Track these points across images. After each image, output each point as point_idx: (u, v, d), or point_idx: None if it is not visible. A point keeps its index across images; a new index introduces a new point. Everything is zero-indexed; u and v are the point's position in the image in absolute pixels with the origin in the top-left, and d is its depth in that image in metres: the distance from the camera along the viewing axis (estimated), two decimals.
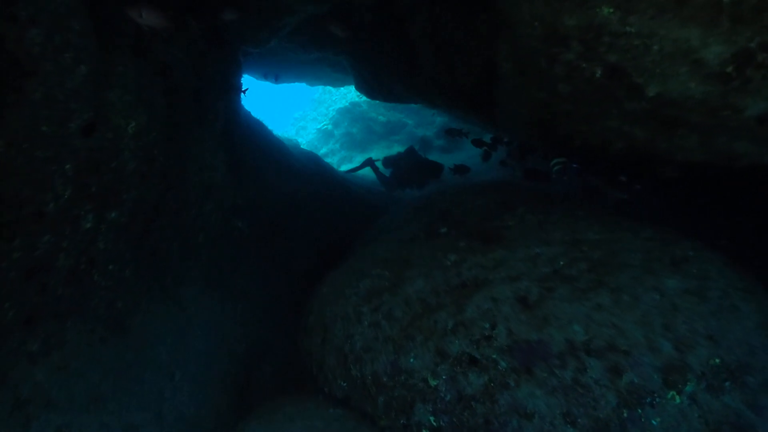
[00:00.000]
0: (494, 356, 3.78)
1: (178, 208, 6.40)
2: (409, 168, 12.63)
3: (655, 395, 3.53)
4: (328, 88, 23.27)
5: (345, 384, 4.38)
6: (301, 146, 21.81)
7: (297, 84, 17.21)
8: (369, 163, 13.47)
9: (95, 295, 5.19)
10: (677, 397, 3.52)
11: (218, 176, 6.90)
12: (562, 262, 4.47)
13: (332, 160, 20.15)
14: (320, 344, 4.64)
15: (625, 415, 3.47)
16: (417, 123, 19.59)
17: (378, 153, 19.64)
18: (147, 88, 4.96)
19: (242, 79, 11.64)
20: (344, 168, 19.08)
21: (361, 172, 16.61)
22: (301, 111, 24.59)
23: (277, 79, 10.66)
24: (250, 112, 10.65)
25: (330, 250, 9.31)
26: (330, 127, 21.30)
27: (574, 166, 7.26)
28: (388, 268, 4.87)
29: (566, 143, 5.85)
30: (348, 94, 21.33)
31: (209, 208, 6.90)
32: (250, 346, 7.07)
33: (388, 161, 13.48)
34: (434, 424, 3.81)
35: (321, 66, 12.51)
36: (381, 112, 20.21)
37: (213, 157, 6.76)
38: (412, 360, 3.97)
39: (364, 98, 20.68)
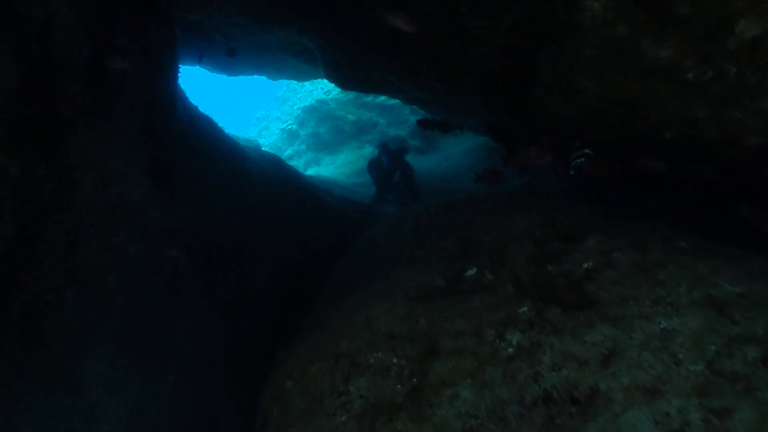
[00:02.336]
0: None
1: (70, 242, 4.15)
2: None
3: None
4: (293, 85, 20.86)
5: None
6: (263, 148, 19.44)
7: (258, 80, 14.94)
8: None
9: None
10: None
11: (136, 191, 4.66)
12: (714, 347, 2.43)
13: (298, 163, 17.88)
14: None
15: None
16: (389, 122, 17.49)
17: (348, 154, 17.46)
18: None
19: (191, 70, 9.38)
20: (311, 171, 16.87)
21: (332, 176, 14.46)
22: (264, 110, 22.04)
23: (233, 54, 8.31)
24: (197, 107, 8.35)
25: (299, 276, 7.14)
26: (295, 126, 18.92)
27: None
28: (398, 353, 2.74)
29: (646, 137, 3.84)
30: (314, 91, 19.01)
31: (123, 237, 4.65)
32: (189, 429, 4.85)
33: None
34: None
35: (283, 54, 10.30)
36: (350, 110, 18.00)
37: (127, 164, 4.51)
38: None
39: (331, 95, 18.48)
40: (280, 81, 21.86)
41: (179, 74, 6.94)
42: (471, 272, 3.46)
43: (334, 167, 16.34)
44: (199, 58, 8.59)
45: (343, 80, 7.70)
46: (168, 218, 5.30)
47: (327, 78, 8.01)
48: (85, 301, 4.43)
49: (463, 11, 4.45)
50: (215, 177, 6.66)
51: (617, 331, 2.48)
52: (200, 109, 8.48)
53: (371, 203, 10.79)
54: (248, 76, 13.01)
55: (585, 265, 3.13)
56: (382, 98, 17.84)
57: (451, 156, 16.15)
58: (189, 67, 11.46)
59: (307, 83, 19.70)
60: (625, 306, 2.64)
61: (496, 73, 4.76)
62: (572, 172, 6.32)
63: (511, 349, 2.50)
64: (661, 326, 2.52)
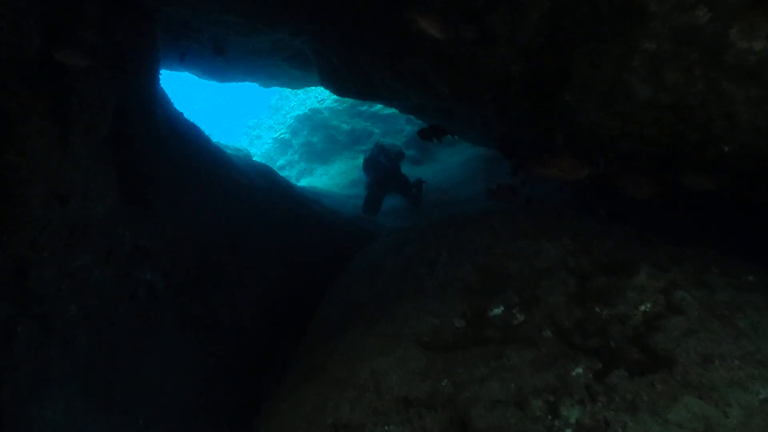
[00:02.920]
0: None
1: (20, 268, 3.50)
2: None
3: None
4: (286, 93, 20.21)
5: None
6: (255, 158, 18.72)
7: (250, 88, 14.29)
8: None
9: None
10: None
11: (100, 207, 4.01)
12: None
13: (290, 173, 17.24)
14: None
15: None
16: (384, 131, 16.91)
17: (342, 164, 16.83)
18: None
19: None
20: (303, 182, 16.25)
21: (325, 187, 13.85)
22: (256, 118, 21.35)
23: (221, 52, 7.62)
24: (181, 113, 7.72)
25: (289, 298, 6.49)
26: (288, 136, 18.24)
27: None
28: (416, 427, 2.10)
29: (695, 150, 3.25)
30: (307, 100, 18.37)
31: (86, 260, 4.00)
32: None
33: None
34: None
35: (275, 59, 9.70)
36: (344, 119, 17.39)
37: (88, 176, 3.86)
38: None
39: (325, 104, 17.87)
40: (273, 89, 21.22)
41: (160, 76, 6.32)
42: (497, 311, 2.84)
43: (327, 178, 15.72)
44: (181, 58, 7.93)
45: (339, 86, 7.09)
46: (142, 237, 4.65)
47: (322, 84, 7.41)
48: (39, 335, 3.77)
49: (479, 5, 3.87)
50: (198, 189, 6.02)
51: (708, 405, 1.86)
52: (186, 116, 7.87)
53: (362, 212, 9.98)
54: (240, 84, 12.40)
55: (642, 308, 2.51)
56: (377, 107, 17.30)
57: (447, 167, 15.58)
58: (177, 72, 10.87)
59: (300, 91, 19.11)
60: (710, 368, 2.02)
61: (515, 77, 4.17)
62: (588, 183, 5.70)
63: (569, 430, 1.87)
64: (760, 396, 1.91)
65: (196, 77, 11.46)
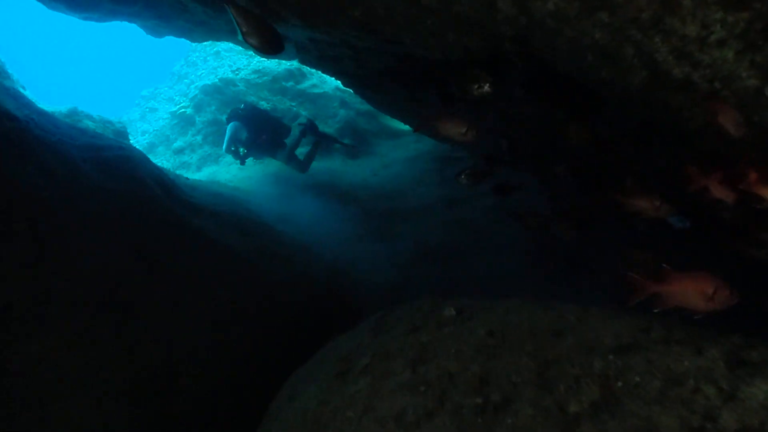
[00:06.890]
0: None
1: None
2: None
3: None
4: (193, 58, 15.67)
5: None
6: (145, 135, 14.31)
7: (149, 51, 10.05)
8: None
9: None
10: None
11: None
12: None
13: (189, 159, 13.09)
14: None
15: None
16: (313, 115, 13.17)
17: None
18: None
19: None
20: (204, 172, 12.15)
21: (235, 180, 9.97)
22: (152, 87, 16.36)
23: None
24: None
25: None
26: (190, 110, 13.81)
27: None
28: None
29: None
30: (219, 68, 14.14)
31: None
32: None
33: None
34: None
35: None
36: (264, 95, 13.40)
37: None
38: None
39: (241, 75, 13.83)
40: (177, 53, 16.67)
41: None
42: None
43: (237, 168, 11.78)
44: None
45: None
46: None
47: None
48: None
49: None
50: None
51: None
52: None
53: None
54: (143, 46, 8.25)
55: None
56: (306, 84, 13.63)
57: (389, 163, 12.23)
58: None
59: (210, 58, 14.90)
60: None
61: None
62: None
63: None
64: None
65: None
